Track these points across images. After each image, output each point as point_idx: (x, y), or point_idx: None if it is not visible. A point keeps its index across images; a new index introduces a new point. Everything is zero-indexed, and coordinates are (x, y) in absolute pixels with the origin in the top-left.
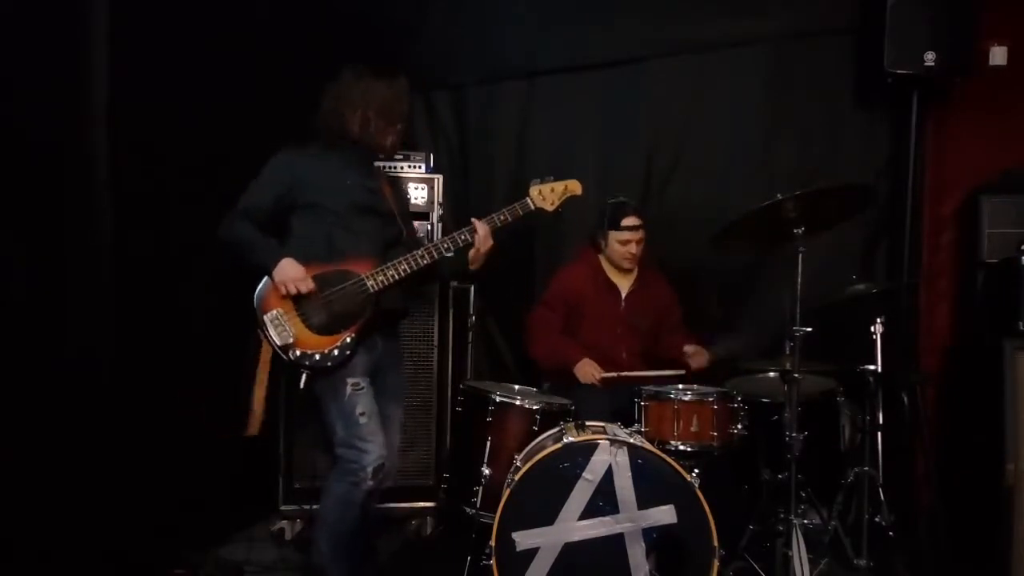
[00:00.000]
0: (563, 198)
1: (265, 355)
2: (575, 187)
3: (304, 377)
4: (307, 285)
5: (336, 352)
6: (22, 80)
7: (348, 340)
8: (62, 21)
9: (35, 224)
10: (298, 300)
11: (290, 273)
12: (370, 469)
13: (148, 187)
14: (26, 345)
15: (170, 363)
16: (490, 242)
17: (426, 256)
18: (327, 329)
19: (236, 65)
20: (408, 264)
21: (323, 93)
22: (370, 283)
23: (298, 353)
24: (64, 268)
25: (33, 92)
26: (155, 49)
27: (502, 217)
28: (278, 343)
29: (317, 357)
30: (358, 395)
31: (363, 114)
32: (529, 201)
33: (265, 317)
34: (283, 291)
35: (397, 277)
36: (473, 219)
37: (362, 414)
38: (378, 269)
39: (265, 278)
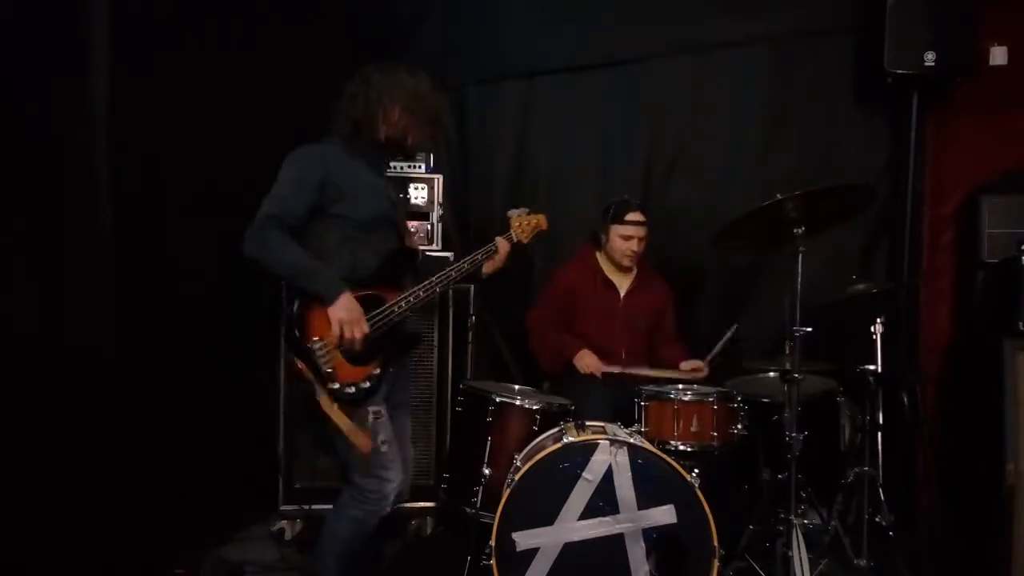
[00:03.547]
0: (534, 232)
1: (326, 399)
2: (543, 222)
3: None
4: (364, 330)
5: (368, 384)
6: (22, 79)
7: (376, 371)
8: (62, 20)
9: (35, 223)
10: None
11: (351, 313)
12: (392, 497)
13: (148, 186)
14: (25, 344)
15: (170, 362)
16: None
17: (444, 280)
18: (359, 359)
19: (236, 64)
20: (427, 289)
21: (352, 89)
22: (396, 309)
23: (336, 386)
24: (64, 267)
25: (33, 91)
26: (155, 49)
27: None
28: (320, 373)
29: (352, 390)
30: (379, 424)
31: (400, 111)
32: (512, 234)
33: (311, 346)
34: (337, 331)
35: (418, 303)
36: (496, 238)
37: (384, 442)
38: (402, 296)
39: (298, 300)
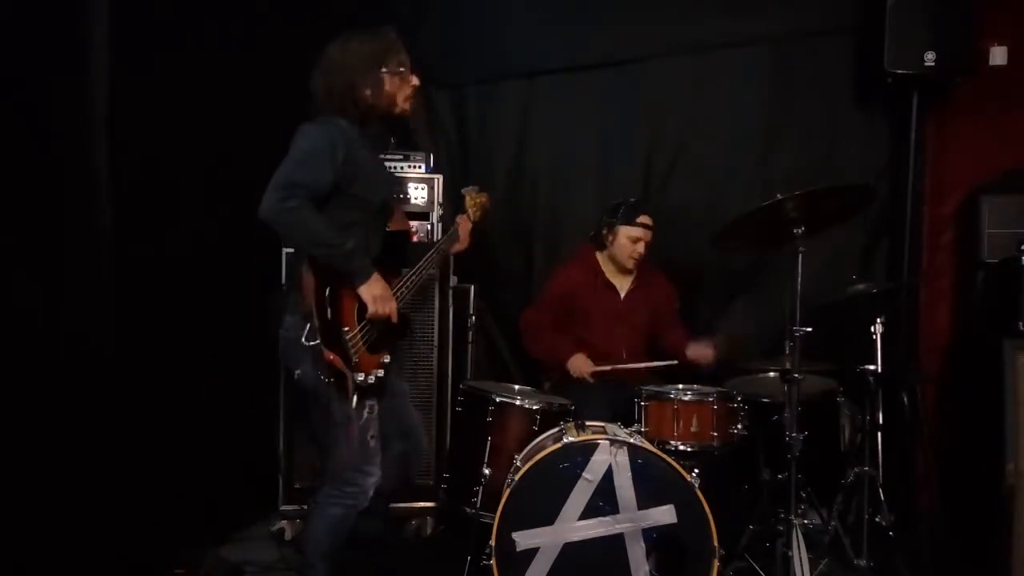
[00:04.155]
0: (481, 211)
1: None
2: (487, 202)
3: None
4: (395, 306)
5: (382, 372)
6: (22, 79)
7: (386, 360)
8: (62, 20)
9: (35, 223)
10: (361, 317)
11: (384, 289)
12: (371, 492)
13: (148, 186)
14: (25, 345)
15: (170, 362)
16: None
17: (429, 263)
18: (374, 348)
19: (235, 65)
20: (419, 273)
21: (323, 80)
22: (400, 294)
23: (361, 376)
24: (64, 267)
25: (33, 91)
26: (155, 49)
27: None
28: (350, 363)
29: (372, 379)
30: (372, 418)
31: (382, 77)
32: (469, 212)
33: (345, 336)
34: (373, 308)
35: (415, 287)
36: (458, 217)
37: (372, 437)
38: (403, 281)
39: (328, 287)
